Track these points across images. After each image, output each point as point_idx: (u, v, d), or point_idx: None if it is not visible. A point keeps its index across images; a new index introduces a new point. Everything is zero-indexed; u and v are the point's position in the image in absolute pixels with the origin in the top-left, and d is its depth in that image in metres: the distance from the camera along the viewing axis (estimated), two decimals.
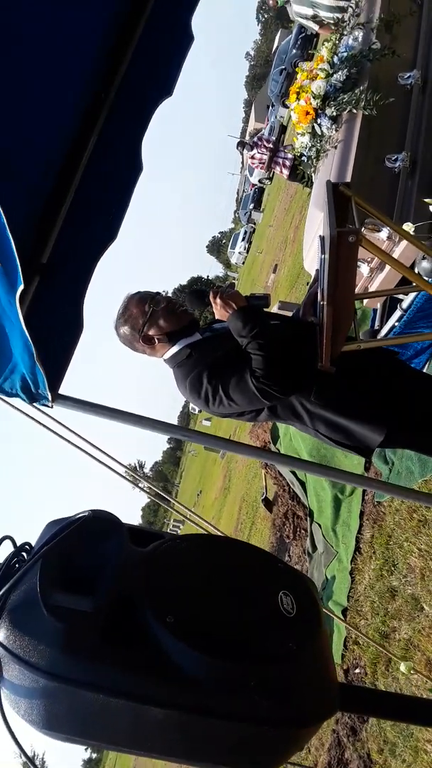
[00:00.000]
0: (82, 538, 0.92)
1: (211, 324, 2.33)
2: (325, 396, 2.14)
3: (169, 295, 2.29)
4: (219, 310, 2.14)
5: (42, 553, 0.87)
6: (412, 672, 2.16)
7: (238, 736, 0.86)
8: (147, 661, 0.84)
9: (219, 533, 2.21)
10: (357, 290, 3.37)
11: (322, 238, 2.15)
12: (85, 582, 0.86)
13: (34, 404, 1.76)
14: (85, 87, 1.57)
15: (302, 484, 6.04)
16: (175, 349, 2.23)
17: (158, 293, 2.27)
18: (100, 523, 0.96)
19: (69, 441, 2.17)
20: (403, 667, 2.06)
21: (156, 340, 2.23)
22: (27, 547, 0.95)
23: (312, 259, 2.24)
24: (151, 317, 2.19)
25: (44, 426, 2.02)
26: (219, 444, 2.23)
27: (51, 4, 1.31)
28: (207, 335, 2.25)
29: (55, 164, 1.55)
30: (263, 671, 0.86)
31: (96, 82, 1.61)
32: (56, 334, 1.72)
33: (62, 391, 1.84)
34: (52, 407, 1.76)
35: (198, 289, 2.24)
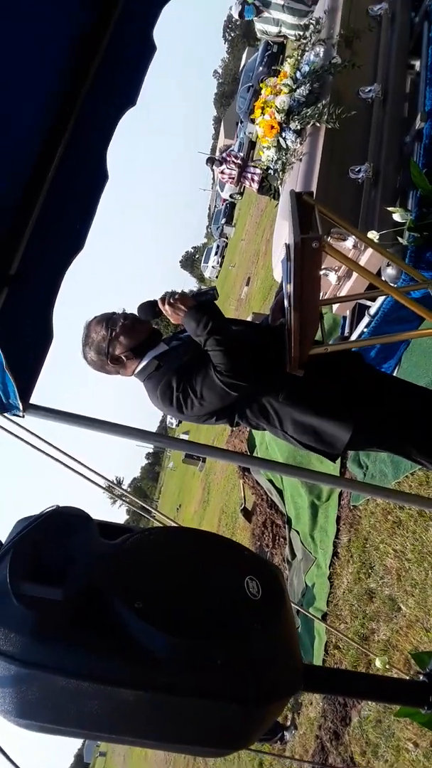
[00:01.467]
0: (51, 532, 0.94)
1: (177, 333, 2.37)
2: (293, 396, 2.19)
3: (125, 311, 2.33)
4: (172, 317, 2.18)
5: (11, 546, 0.89)
6: (387, 666, 2.20)
7: (206, 714, 0.88)
8: (117, 644, 0.87)
9: None
10: (326, 297, 3.44)
11: (287, 246, 2.20)
12: (55, 573, 0.89)
13: (5, 414, 1.77)
14: (50, 99, 1.61)
15: (280, 492, 6.07)
16: (143, 362, 2.27)
17: (114, 313, 2.31)
18: (69, 517, 0.98)
19: (49, 455, 2.18)
20: (378, 663, 2.10)
21: (124, 358, 2.26)
22: None
23: (278, 268, 2.30)
24: (112, 338, 2.23)
25: (20, 439, 2.03)
26: (196, 449, 2.26)
27: (13, 15, 1.34)
28: (174, 344, 2.29)
29: (20, 177, 1.58)
30: (229, 651, 0.89)
31: (60, 94, 1.65)
32: (26, 344, 1.74)
33: (34, 401, 1.86)
34: (23, 416, 1.78)
35: (147, 302, 2.26)
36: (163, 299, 2.18)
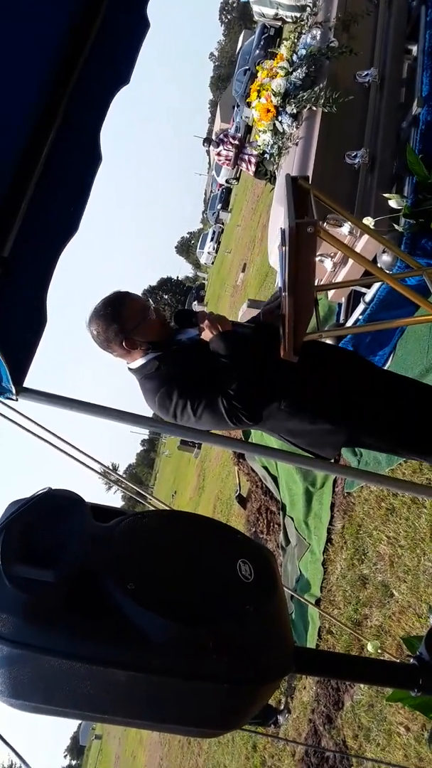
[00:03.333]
0: (43, 514, 0.95)
1: (173, 336, 2.33)
2: (291, 405, 2.20)
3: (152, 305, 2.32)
4: (208, 329, 2.19)
5: (2, 527, 0.89)
6: (379, 651, 2.23)
7: (198, 695, 0.89)
8: (109, 626, 0.88)
9: None
10: (321, 283, 3.43)
11: (282, 230, 2.19)
12: (47, 555, 0.89)
13: None
14: (43, 78, 1.58)
15: (274, 479, 6.10)
16: (143, 360, 2.24)
17: (151, 304, 2.29)
18: (61, 500, 0.99)
19: (45, 440, 2.18)
20: (370, 647, 2.13)
21: (138, 347, 2.22)
22: None
23: (275, 256, 2.29)
24: (144, 323, 2.20)
25: (14, 422, 2.02)
26: (191, 435, 2.25)
27: None
28: (173, 348, 2.26)
29: (11, 159, 1.56)
30: (221, 632, 0.90)
31: (51, 72, 1.63)
32: (19, 327, 1.73)
33: (28, 385, 1.85)
34: (17, 400, 1.77)
35: (186, 310, 2.34)
36: (204, 314, 2.24)
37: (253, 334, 2.32)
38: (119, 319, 2.19)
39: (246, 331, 2.30)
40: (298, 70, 3.52)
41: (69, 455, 2.29)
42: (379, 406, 2.25)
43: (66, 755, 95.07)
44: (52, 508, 0.96)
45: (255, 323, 2.47)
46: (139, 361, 2.25)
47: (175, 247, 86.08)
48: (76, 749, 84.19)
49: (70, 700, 0.89)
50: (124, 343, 2.20)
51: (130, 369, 2.29)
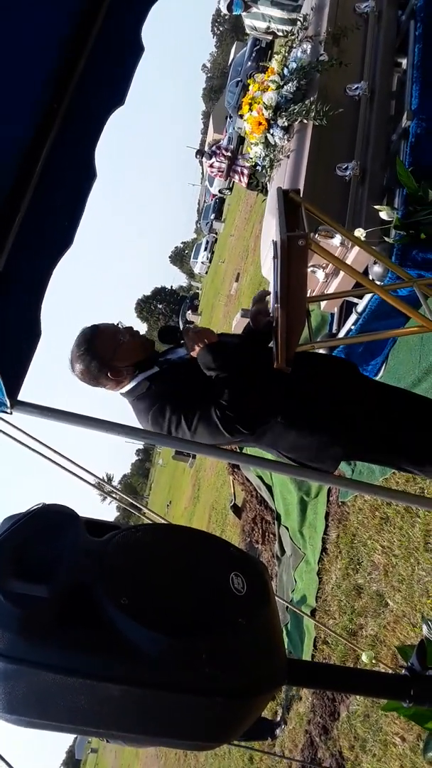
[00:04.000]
0: (38, 529, 0.95)
1: (164, 354, 2.35)
2: (288, 419, 2.20)
3: (126, 325, 2.32)
4: (191, 343, 2.18)
5: None
6: (374, 661, 2.23)
7: (192, 708, 0.90)
8: (102, 640, 0.88)
9: None
10: (313, 294, 3.46)
11: (274, 243, 2.21)
12: (41, 570, 0.90)
13: None
14: (38, 97, 1.60)
15: (269, 488, 6.10)
16: (133, 383, 2.25)
17: (119, 328, 2.28)
18: (55, 515, 0.99)
19: (38, 452, 2.18)
20: (364, 657, 2.13)
21: (124, 372, 2.23)
22: None
23: (268, 266, 2.31)
24: (120, 348, 2.21)
25: (8, 435, 2.02)
26: (185, 446, 2.26)
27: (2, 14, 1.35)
28: (164, 366, 2.27)
29: (6, 174, 1.58)
30: (214, 644, 0.90)
31: (48, 92, 1.65)
32: (13, 341, 1.74)
33: (22, 398, 1.85)
34: (11, 413, 1.78)
35: (169, 326, 2.34)
36: (187, 329, 2.24)
37: (241, 343, 2.34)
38: (95, 353, 2.21)
39: (233, 341, 2.31)
40: (289, 84, 3.56)
41: (63, 467, 2.29)
42: (372, 418, 2.26)
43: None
44: (46, 524, 0.97)
45: (247, 334, 2.48)
46: (130, 385, 2.25)
47: (169, 257, 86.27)
48: (72, 763, 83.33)
49: (65, 715, 0.89)
50: (109, 374, 2.23)
51: (122, 395, 2.29)
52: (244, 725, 0.95)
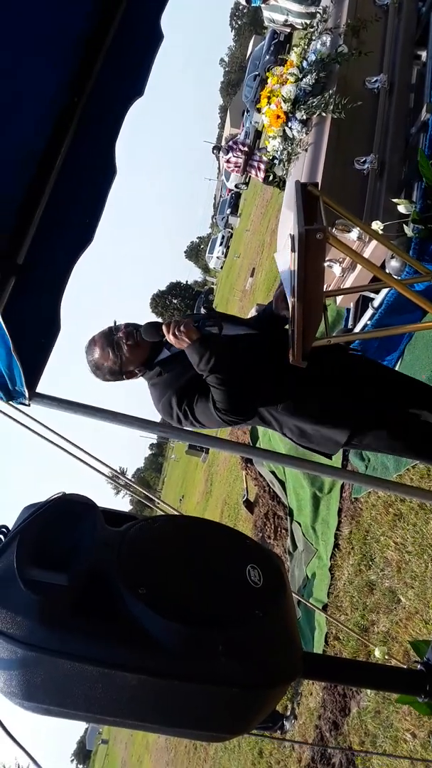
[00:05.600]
0: (57, 518, 0.96)
1: (160, 347, 2.37)
2: (292, 406, 2.25)
3: (122, 326, 2.32)
4: (175, 344, 2.19)
5: (18, 532, 0.91)
6: (386, 657, 2.22)
7: (208, 699, 0.90)
8: (120, 629, 0.89)
9: None
10: (329, 289, 3.44)
11: (292, 237, 2.20)
12: (60, 559, 0.90)
13: (11, 402, 1.78)
14: (56, 91, 1.61)
15: (282, 483, 6.10)
16: (148, 371, 2.32)
17: (112, 333, 2.29)
18: (74, 504, 1.00)
19: (55, 443, 2.20)
20: (377, 653, 2.13)
21: (138, 372, 2.31)
22: (4, 530, 0.99)
23: (283, 260, 2.28)
24: (123, 361, 2.26)
25: (26, 427, 2.04)
26: (199, 440, 2.28)
27: (18, 10, 1.34)
28: (175, 350, 2.29)
29: (28, 169, 1.58)
30: (231, 637, 0.90)
31: (68, 85, 1.65)
32: (33, 333, 1.76)
33: (40, 391, 1.87)
34: (29, 405, 1.79)
35: (152, 324, 2.26)
36: (168, 326, 2.19)
37: (236, 336, 2.33)
38: (106, 370, 2.30)
39: (213, 331, 2.27)
40: (308, 77, 3.53)
41: (78, 459, 2.31)
42: (387, 403, 2.27)
43: (73, 759, 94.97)
44: (65, 513, 0.97)
45: (260, 317, 2.50)
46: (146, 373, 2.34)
47: (185, 252, 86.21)
48: (83, 753, 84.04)
49: (81, 703, 0.90)
50: (127, 378, 2.32)
51: (143, 378, 2.37)
52: (259, 717, 0.95)
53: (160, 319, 2.53)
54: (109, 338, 2.28)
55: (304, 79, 3.56)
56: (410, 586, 3.31)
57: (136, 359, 2.28)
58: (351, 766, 3.61)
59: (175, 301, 66.43)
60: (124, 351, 2.25)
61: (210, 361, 2.12)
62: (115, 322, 2.33)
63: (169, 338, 2.17)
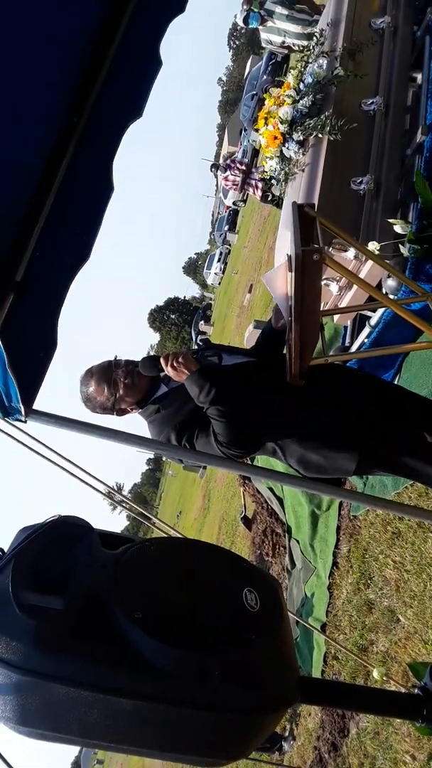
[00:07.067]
0: (53, 541, 0.96)
1: (157, 383, 2.33)
2: (297, 433, 2.19)
3: (122, 363, 2.29)
4: (174, 377, 2.15)
5: (13, 555, 0.90)
6: (384, 678, 2.20)
7: (204, 724, 0.89)
8: (116, 654, 0.88)
9: None
10: (327, 308, 3.46)
11: (288, 257, 2.22)
12: (56, 582, 0.90)
13: (7, 419, 1.78)
14: (57, 112, 1.63)
15: (280, 500, 6.07)
16: (143, 409, 2.29)
17: (110, 367, 2.27)
18: (70, 527, 1.00)
19: (51, 461, 2.20)
20: (375, 674, 2.11)
21: (130, 410, 2.29)
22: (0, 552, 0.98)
23: (271, 279, 2.25)
24: (117, 398, 2.23)
25: (23, 444, 2.04)
26: (200, 459, 2.27)
27: (17, 31, 1.37)
28: (172, 385, 2.26)
29: (27, 188, 1.60)
30: (227, 661, 0.90)
31: (68, 106, 1.67)
32: (29, 350, 1.75)
33: (37, 407, 1.87)
34: (25, 422, 1.79)
35: (149, 358, 2.24)
36: (166, 359, 2.15)
37: (236, 366, 2.29)
38: (98, 405, 2.27)
39: (213, 361, 2.27)
40: (305, 98, 3.58)
41: (75, 476, 2.30)
42: (394, 423, 2.23)
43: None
44: (62, 536, 0.97)
45: (260, 343, 2.49)
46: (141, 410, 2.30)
47: (183, 268, 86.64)
48: None
49: (76, 728, 0.89)
50: (118, 415, 2.29)
51: (140, 415, 2.34)
52: (256, 742, 0.94)
53: (157, 350, 2.51)
54: (107, 374, 2.25)
55: (301, 101, 3.61)
56: (409, 606, 3.29)
57: (130, 398, 2.25)
58: None
59: (173, 317, 66.58)
60: (120, 389, 2.22)
61: (210, 392, 2.06)
62: (115, 357, 2.30)
63: (168, 370, 2.13)
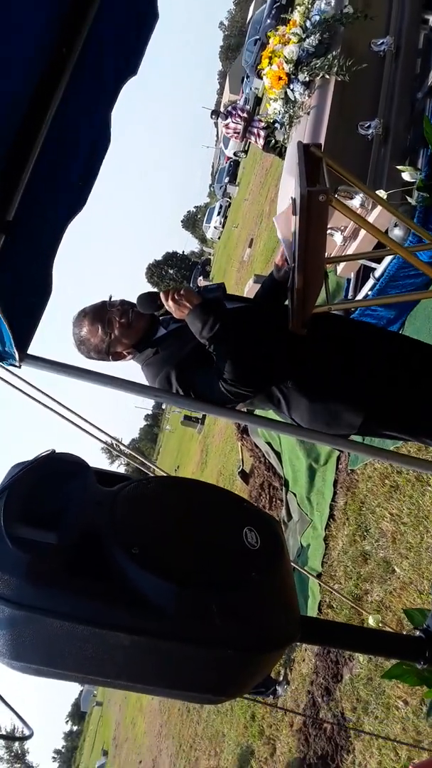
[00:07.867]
0: (47, 476, 0.93)
1: (156, 325, 2.21)
2: (303, 382, 2.08)
3: (117, 302, 2.16)
4: (176, 312, 2.04)
5: (5, 488, 0.88)
6: (380, 625, 2.23)
7: (202, 661, 0.89)
8: (113, 589, 0.87)
9: None
10: (331, 256, 3.38)
11: (293, 199, 2.15)
12: (50, 517, 0.88)
13: (1, 364, 1.74)
14: (43, 46, 1.53)
15: (277, 454, 6.10)
16: (139, 353, 2.17)
17: (105, 308, 2.14)
18: (65, 463, 0.97)
19: (50, 408, 2.16)
20: (371, 620, 2.13)
21: (126, 354, 2.16)
22: None
23: (281, 221, 2.18)
24: (111, 340, 2.11)
25: (19, 389, 2.00)
26: (198, 407, 2.21)
27: None
28: (172, 327, 2.16)
29: (15, 115, 1.52)
30: (225, 598, 0.89)
31: (54, 39, 1.57)
32: (23, 294, 1.70)
33: (33, 352, 1.83)
34: (20, 367, 1.75)
35: (148, 294, 2.10)
36: (166, 293, 2.04)
37: (240, 308, 2.18)
38: (93, 349, 2.14)
39: (217, 295, 2.12)
40: (312, 37, 3.44)
41: (75, 424, 2.27)
42: (393, 384, 2.11)
43: (67, 720, 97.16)
44: (56, 471, 0.95)
45: (263, 291, 2.40)
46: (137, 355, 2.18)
47: (181, 221, 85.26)
48: (77, 715, 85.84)
49: (72, 663, 0.89)
50: (113, 359, 2.17)
51: (133, 360, 2.23)
52: (254, 680, 0.94)
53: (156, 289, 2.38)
54: (100, 313, 2.12)
55: (307, 40, 3.46)
56: (405, 557, 3.33)
57: (127, 340, 2.12)
58: (343, 731, 3.67)
59: (171, 272, 65.96)
60: (114, 329, 2.09)
61: (214, 326, 1.96)
62: (110, 297, 2.17)
63: (168, 305, 2.02)
